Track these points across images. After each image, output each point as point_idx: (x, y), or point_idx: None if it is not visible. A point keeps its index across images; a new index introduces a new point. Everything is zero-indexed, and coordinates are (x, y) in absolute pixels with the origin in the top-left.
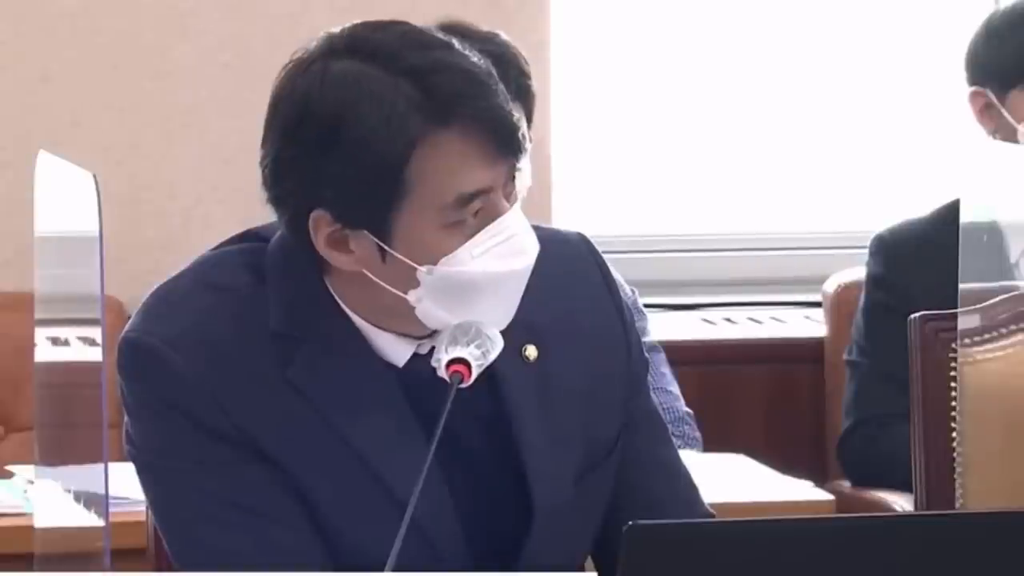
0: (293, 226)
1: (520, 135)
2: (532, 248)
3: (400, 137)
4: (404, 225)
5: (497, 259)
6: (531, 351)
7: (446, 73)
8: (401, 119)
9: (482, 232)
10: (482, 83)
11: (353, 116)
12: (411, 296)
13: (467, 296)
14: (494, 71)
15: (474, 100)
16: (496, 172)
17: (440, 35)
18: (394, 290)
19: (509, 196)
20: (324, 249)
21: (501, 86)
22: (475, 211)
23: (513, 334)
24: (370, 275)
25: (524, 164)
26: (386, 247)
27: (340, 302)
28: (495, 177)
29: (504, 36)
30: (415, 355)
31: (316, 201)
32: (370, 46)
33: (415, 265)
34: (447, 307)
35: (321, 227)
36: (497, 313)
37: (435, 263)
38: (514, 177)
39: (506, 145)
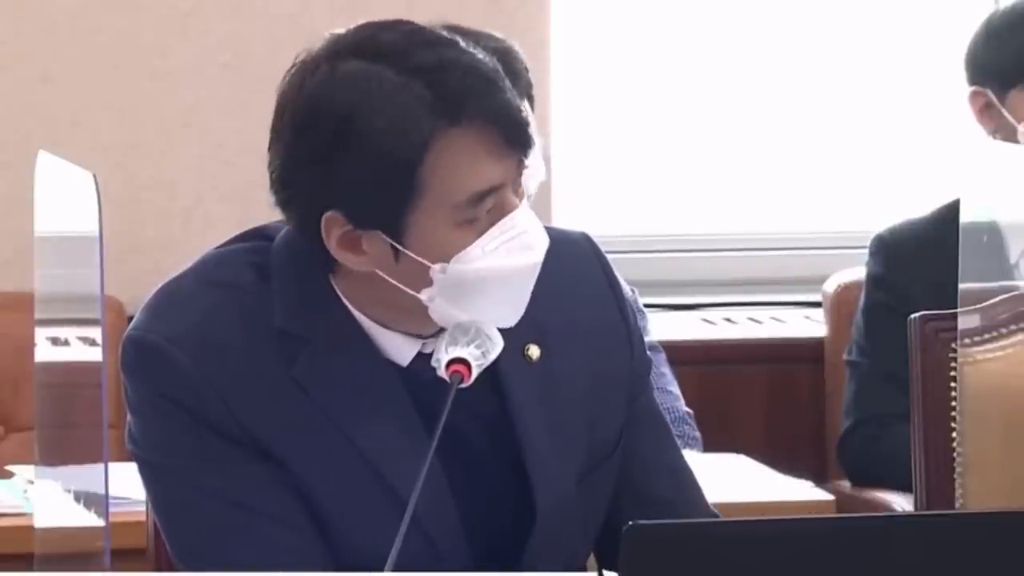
0: (304, 228)
1: (528, 129)
2: (541, 244)
3: (412, 138)
4: (418, 224)
5: (507, 255)
6: (534, 351)
7: (454, 71)
8: (413, 119)
9: (494, 228)
10: (490, 80)
11: (363, 117)
12: (424, 295)
13: (478, 293)
14: (500, 68)
15: (483, 97)
16: (506, 167)
17: (444, 33)
18: (408, 289)
19: (517, 191)
20: (336, 250)
21: (508, 82)
22: (488, 208)
23: (516, 334)
24: (383, 275)
25: (535, 161)
26: (400, 247)
27: (345, 301)
28: (505, 172)
29: (500, 36)
30: (419, 354)
31: (328, 203)
32: (377, 46)
33: (428, 264)
34: (459, 305)
35: (333, 229)
36: (506, 310)
37: (448, 261)
38: (521, 173)
39: (515, 139)
